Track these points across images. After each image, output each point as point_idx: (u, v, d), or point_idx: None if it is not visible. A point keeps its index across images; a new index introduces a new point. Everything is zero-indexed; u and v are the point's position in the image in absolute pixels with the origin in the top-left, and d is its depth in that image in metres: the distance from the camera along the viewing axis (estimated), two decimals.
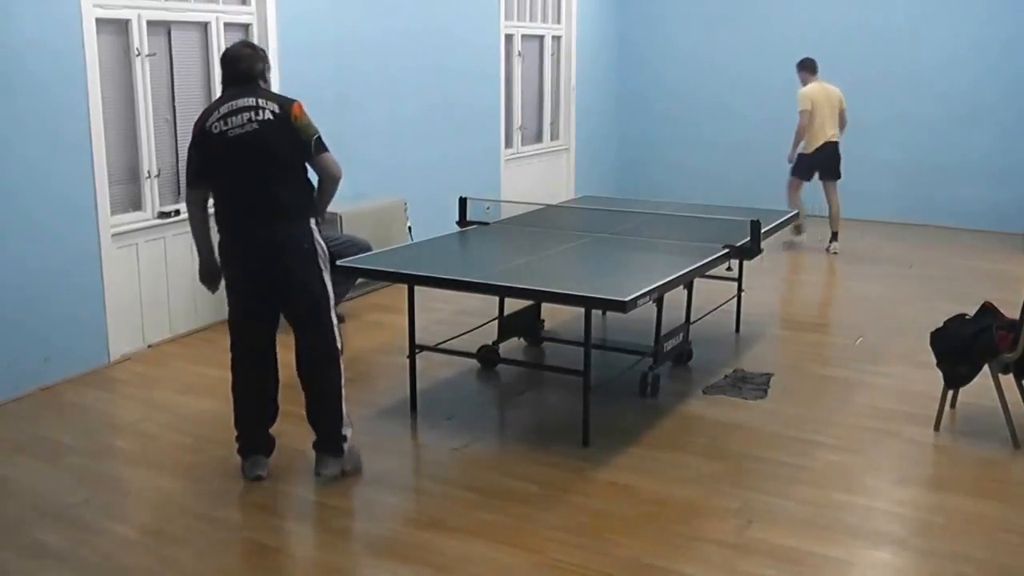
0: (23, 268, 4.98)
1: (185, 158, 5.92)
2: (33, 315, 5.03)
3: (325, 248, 3.87)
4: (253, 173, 3.73)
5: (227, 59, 3.88)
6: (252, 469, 4.00)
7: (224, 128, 3.71)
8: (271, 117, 3.70)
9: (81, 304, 5.29)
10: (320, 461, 3.95)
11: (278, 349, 4.02)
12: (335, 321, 3.91)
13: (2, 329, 4.89)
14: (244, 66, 3.83)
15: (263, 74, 3.88)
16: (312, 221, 3.82)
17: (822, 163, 8.60)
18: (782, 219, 6.09)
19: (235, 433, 4.03)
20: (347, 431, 3.96)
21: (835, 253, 8.44)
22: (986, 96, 9.47)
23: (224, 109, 3.74)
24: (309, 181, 3.84)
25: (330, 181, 3.84)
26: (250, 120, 3.69)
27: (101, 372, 5.36)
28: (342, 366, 3.93)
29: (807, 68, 8.71)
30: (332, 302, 3.89)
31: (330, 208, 4.07)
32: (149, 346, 5.79)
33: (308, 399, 3.94)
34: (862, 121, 9.96)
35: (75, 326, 5.26)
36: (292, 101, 3.79)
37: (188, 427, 4.59)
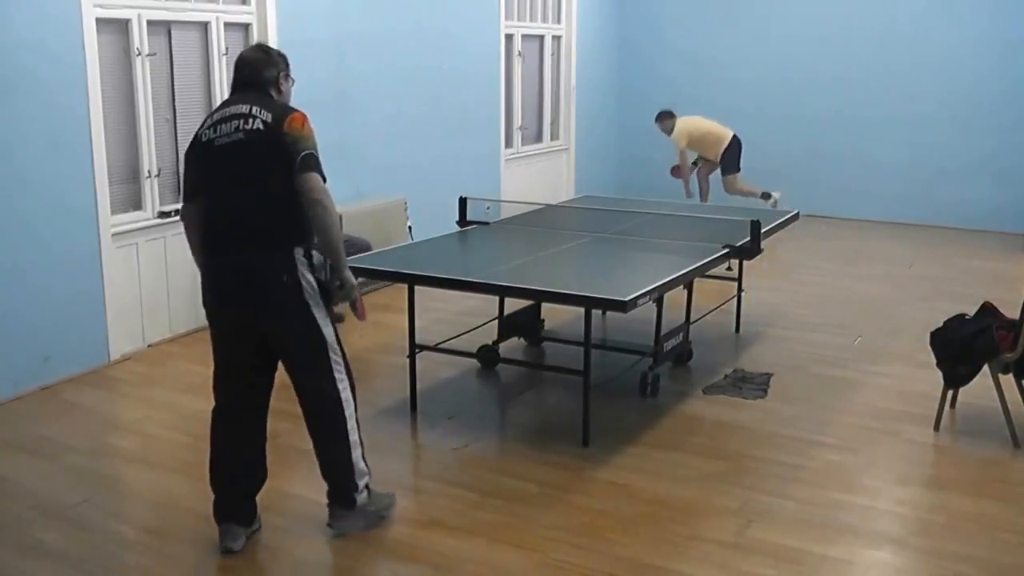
0: (23, 267, 4.98)
1: (184, 158, 6.06)
2: (33, 314, 5.04)
3: (314, 283, 3.35)
4: (231, 189, 3.28)
5: (237, 61, 3.48)
6: (224, 539, 3.45)
7: (212, 136, 3.30)
8: (260, 127, 3.23)
9: (81, 303, 5.30)
10: (332, 514, 3.58)
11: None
12: (334, 363, 3.44)
13: (2, 328, 4.89)
14: (247, 72, 3.40)
15: (276, 82, 3.42)
16: (300, 252, 3.31)
17: (739, 154, 9.05)
18: (782, 219, 6.09)
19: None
20: (361, 480, 3.53)
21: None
22: (987, 96, 9.47)
23: (217, 116, 3.35)
24: (300, 205, 3.29)
25: (311, 205, 3.23)
26: (237, 129, 3.25)
27: (101, 372, 5.36)
28: (348, 411, 3.48)
29: (664, 118, 9.15)
30: (328, 342, 3.41)
31: None
32: (149, 345, 5.79)
33: (315, 448, 3.56)
34: (863, 121, 10.00)
35: (75, 325, 5.27)
36: (291, 111, 3.30)
37: (188, 427, 4.58)
